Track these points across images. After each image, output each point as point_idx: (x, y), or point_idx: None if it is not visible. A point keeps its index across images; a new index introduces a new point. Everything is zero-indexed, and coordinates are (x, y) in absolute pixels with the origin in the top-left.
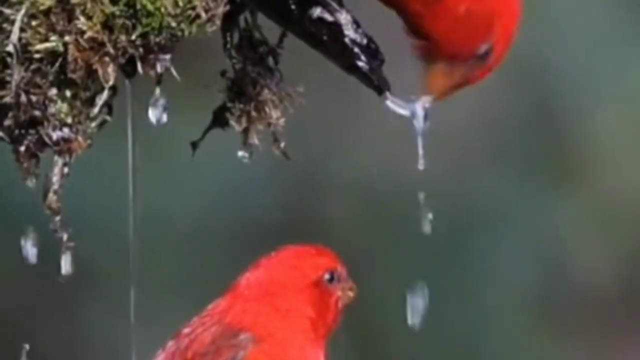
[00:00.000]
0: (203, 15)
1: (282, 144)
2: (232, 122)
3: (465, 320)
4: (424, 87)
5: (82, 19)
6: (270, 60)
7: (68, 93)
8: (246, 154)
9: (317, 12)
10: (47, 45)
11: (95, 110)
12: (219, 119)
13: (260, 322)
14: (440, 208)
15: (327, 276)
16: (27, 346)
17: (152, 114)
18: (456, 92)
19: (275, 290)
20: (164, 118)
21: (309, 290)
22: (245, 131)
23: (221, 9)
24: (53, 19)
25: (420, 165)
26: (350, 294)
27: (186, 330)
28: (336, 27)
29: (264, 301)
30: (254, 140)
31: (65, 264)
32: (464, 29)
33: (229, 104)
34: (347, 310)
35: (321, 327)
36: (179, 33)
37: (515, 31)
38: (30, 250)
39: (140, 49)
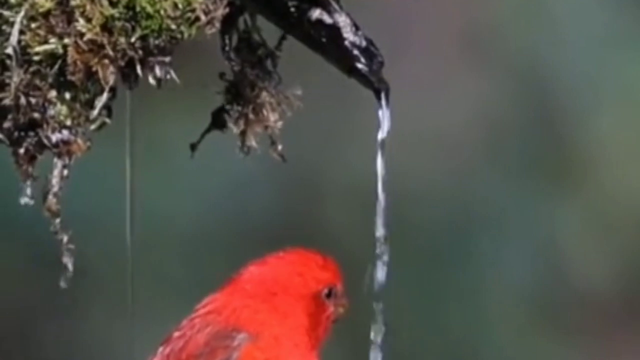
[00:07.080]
0: (202, 17)
1: (280, 147)
2: (230, 125)
3: (464, 322)
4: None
5: (82, 21)
6: (269, 63)
7: (67, 95)
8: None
9: (315, 14)
10: (47, 47)
11: (95, 112)
12: (217, 121)
13: (258, 319)
14: (440, 211)
15: (326, 291)
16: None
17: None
18: None
19: (278, 291)
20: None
21: (307, 300)
22: (243, 133)
23: (220, 12)
24: (52, 21)
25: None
26: (341, 310)
27: (177, 333)
28: (335, 29)
29: (264, 299)
30: (252, 142)
31: (66, 267)
32: None
33: (227, 106)
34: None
35: (312, 337)
36: (179, 35)
37: None
38: None
39: (140, 52)
